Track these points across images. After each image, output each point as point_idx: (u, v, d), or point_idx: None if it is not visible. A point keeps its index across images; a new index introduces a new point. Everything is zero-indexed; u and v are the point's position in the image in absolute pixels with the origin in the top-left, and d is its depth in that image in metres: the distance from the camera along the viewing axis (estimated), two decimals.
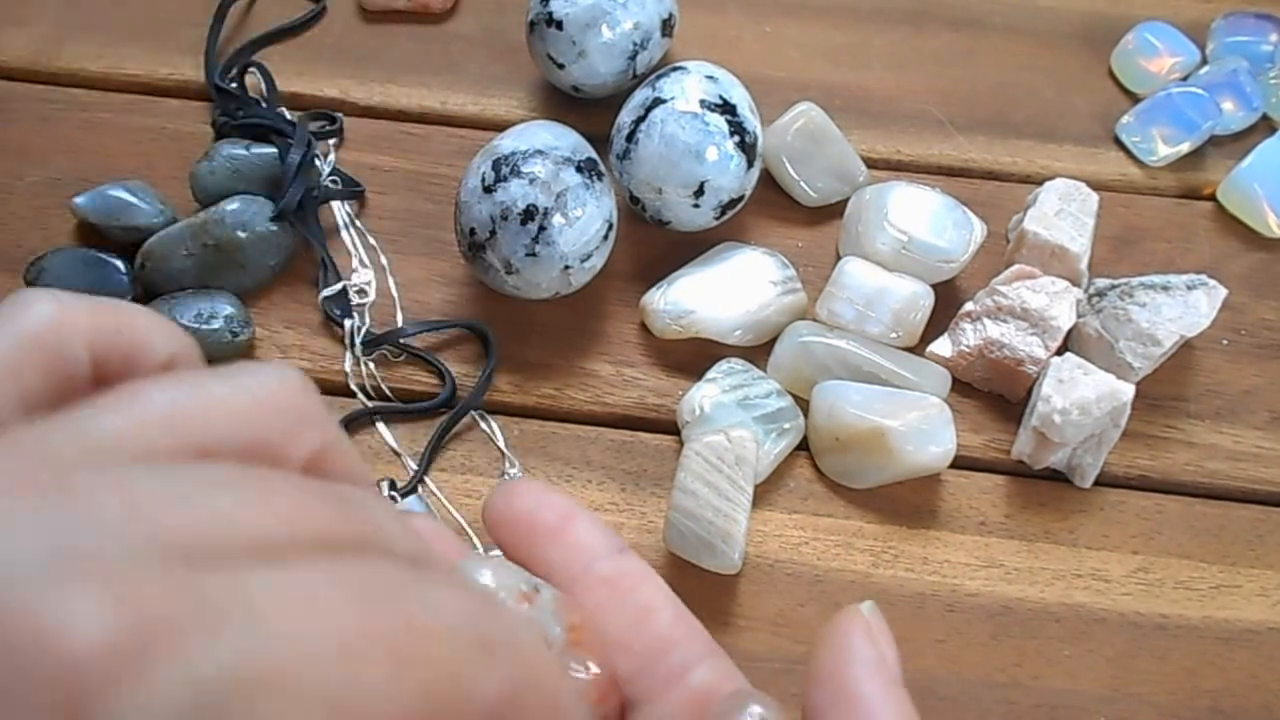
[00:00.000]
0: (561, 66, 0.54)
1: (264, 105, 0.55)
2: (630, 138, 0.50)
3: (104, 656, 0.13)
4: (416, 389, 0.49)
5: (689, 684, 0.24)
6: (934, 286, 0.50)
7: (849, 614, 0.23)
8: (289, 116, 0.55)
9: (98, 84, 0.57)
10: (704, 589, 0.44)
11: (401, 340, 0.49)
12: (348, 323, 0.49)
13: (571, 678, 0.21)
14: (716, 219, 0.51)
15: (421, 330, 0.50)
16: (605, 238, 0.48)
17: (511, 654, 0.18)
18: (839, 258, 0.51)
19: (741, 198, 0.51)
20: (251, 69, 0.57)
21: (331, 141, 0.55)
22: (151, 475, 0.16)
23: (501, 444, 0.48)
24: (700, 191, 0.49)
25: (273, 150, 0.52)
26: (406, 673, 0.16)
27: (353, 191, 0.53)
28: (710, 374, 0.48)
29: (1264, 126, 0.58)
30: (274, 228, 0.50)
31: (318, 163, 0.52)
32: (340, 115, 0.56)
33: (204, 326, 0.47)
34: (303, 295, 0.51)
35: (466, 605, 0.18)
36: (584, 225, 0.47)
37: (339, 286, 0.50)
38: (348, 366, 0.49)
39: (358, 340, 0.49)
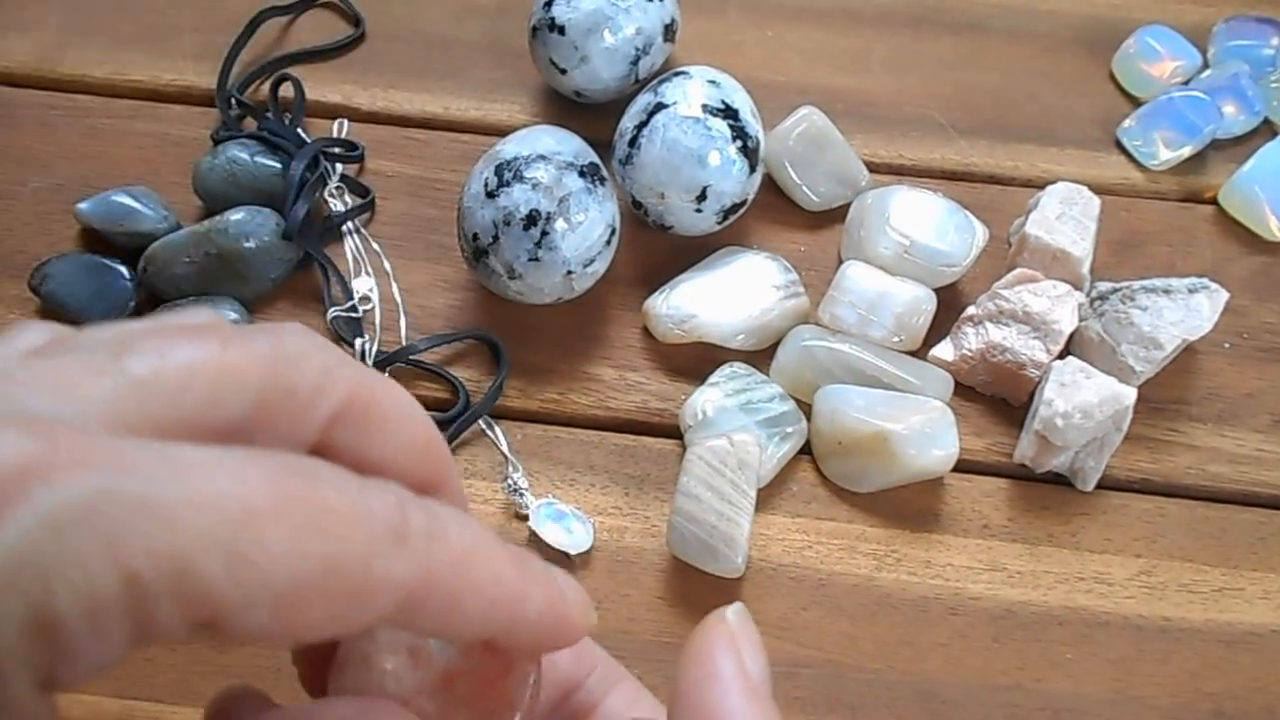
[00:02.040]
0: (564, 71, 0.54)
1: (269, 117, 0.55)
2: (632, 142, 0.50)
3: (13, 473, 0.15)
4: (423, 395, 0.49)
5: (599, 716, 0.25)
6: (936, 290, 0.50)
7: (713, 623, 0.22)
8: (303, 134, 0.55)
9: (101, 90, 0.58)
10: (707, 593, 0.44)
11: (412, 357, 0.49)
12: (358, 342, 0.49)
13: (509, 562, 0.21)
14: (719, 223, 0.51)
15: (433, 345, 0.50)
16: (608, 242, 0.49)
17: (429, 544, 0.19)
18: (841, 262, 0.51)
19: (744, 202, 0.51)
20: (285, 80, 0.57)
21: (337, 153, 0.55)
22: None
23: (505, 449, 0.48)
24: (703, 196, 0.49)
25: (277, 164, 0.52)
26: (308, 540, 0.17)
27: (363, 207, 0.53)
28: (713, 378, 0.48)
29: (1265, 130, 0.58)
30: (279, 241, 0.50)
31: (324, 173, 0.53)
32: (362, 145, 0.55)
33: None
34: (306, 303, 0.51)
35: (387, 498, 0.19)
36: (586, 230, 0.47)
37: (348, 305, 0.50)
38: None
39: (369, 362, 0.49)
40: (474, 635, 0.21)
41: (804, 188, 0.54)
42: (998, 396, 0.50)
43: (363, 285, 0.51)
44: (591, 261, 0.48)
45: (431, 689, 0.23)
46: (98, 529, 0.16)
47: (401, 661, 0.23)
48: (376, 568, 0.18)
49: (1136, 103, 0.59)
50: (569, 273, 0.47)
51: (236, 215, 0.49)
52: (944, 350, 0.50)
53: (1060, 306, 0.48)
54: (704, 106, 0.49)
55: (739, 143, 0.49)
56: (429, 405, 0.49)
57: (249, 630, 0.17)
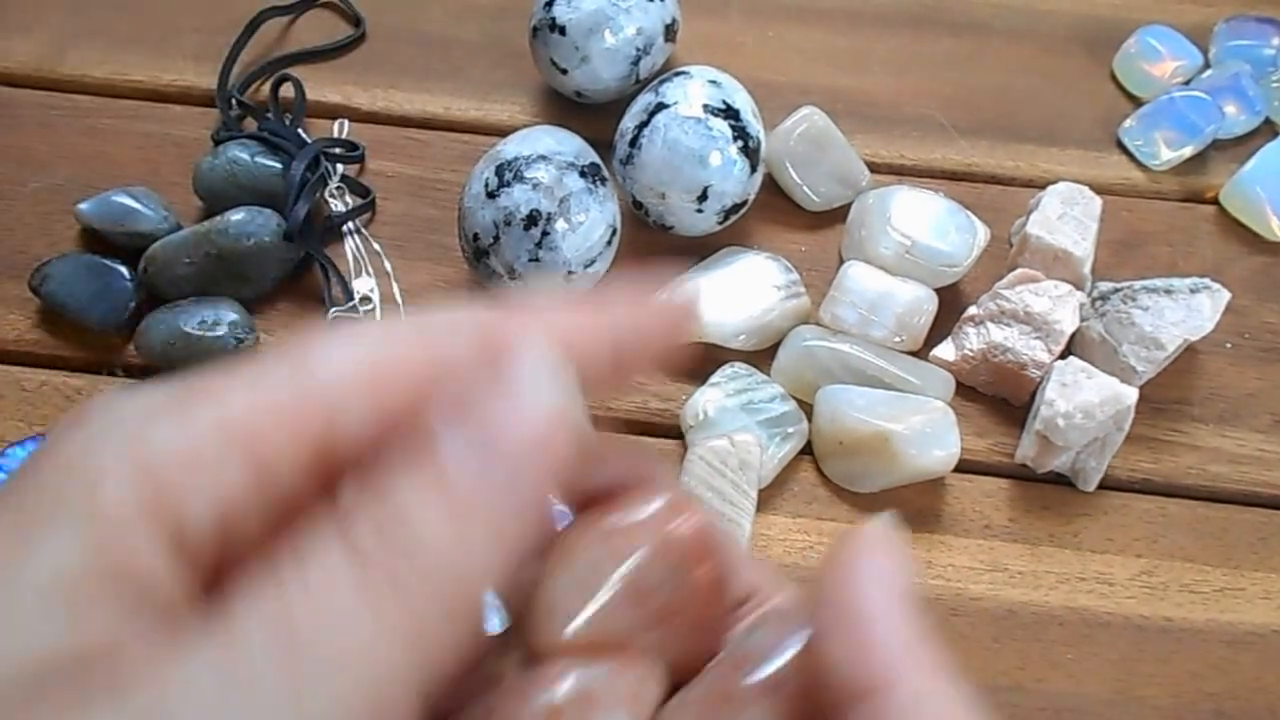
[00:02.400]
0: (565, 72, 0.54)
1: (269, 117, 0.55)
2: (633, 143, 0.50)
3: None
4: None
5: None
6: (937, 290, 0.50)
7: (859, 532, 0.21)
8: (303, 135, 0.55)
9: (101, 90, 0.58)
10: None
11: None
12: None
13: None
14: (720, 224, 0.51)
15: None
16: (608, 243, 0.48)
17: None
18: (842, 262, 0.51)
19: (745, 202, 0.51)
20: (286, 81, 0.57)
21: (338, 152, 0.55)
22: None
23: None
24: (704, 196, 0.49)
25: (277, 165, 0.52)
26: (357, 338, 0.18)
27: (364, 207, 0.53)
28: (714, 378, 0.48)
29: (1266, 130, 0.58)
30: (279, 241, 0.50)
31: (325, 173, 0.53)
32: (363, 145, 0.55)
33: (208, 334, 0.48)
34: (306, 304, 0.51)
35: None
36: (587, 230, 0.47)
37: (348, 305, 0.50)
38: None
39: None
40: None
41: (805, 188, 0.54)
42: (999, 396, 0.50)
43: (363, 285, 0.51)
44: (592, 262, 0.48)
45: (647, 625, 0.22)
46: (173, 393, 0.17)
47: (622, 603, 0.22)
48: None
49: (1137, 103, 0.59)
50: (570, 273, 0.47)
51: (237, 215, 0.49)
52: (945, 350, 0.50)
53: (1061, 306, 0.48)
54: (705, 106, 0.49)
55: (740, 143, 0.49)
56: None
57: (359, 428, 0.17)
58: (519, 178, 0.47)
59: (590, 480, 0.23)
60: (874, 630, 0.20)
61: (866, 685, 0.20)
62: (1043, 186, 0.53)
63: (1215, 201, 0.56)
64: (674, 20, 0.55)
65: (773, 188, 0.55)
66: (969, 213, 0.51)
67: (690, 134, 0.49)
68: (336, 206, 0.53)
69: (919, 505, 0.47)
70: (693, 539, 0.23)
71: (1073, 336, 0.49)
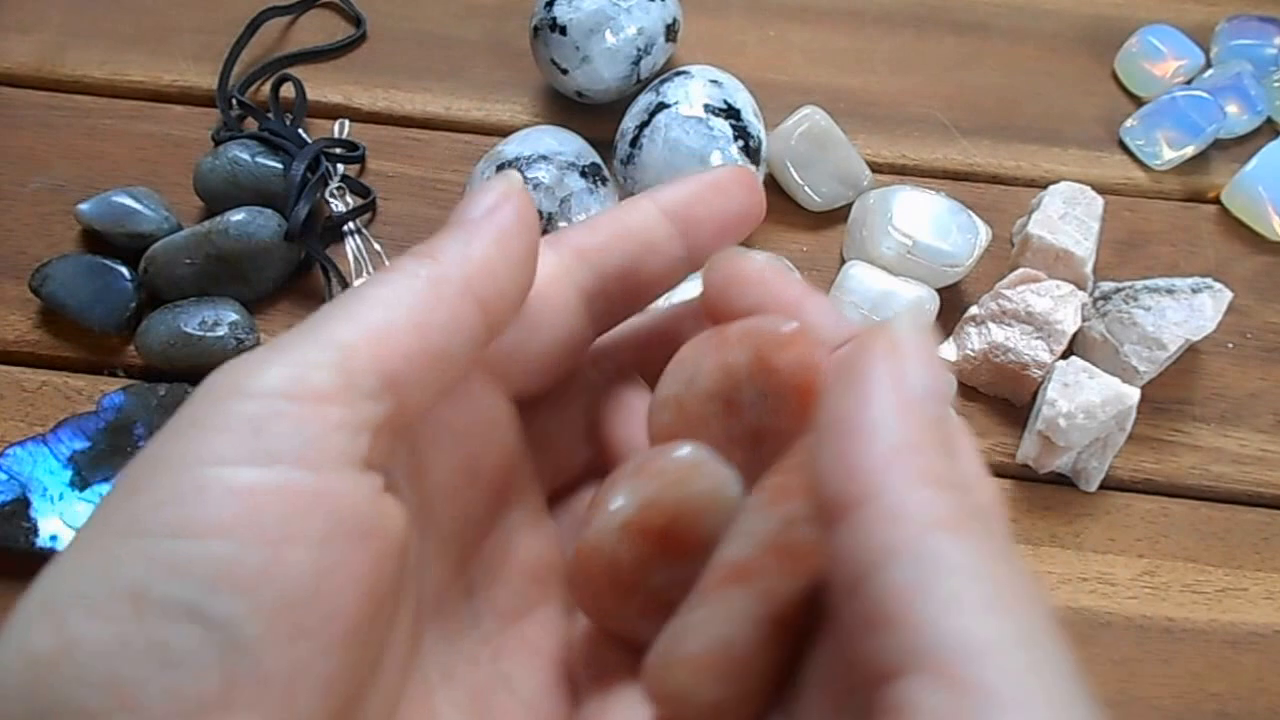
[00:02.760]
0: (565, 72, 0.54)
1: (270, 117, 0.55)
2: (634, 143, 0.50)
3: None
4: None
5: None
6: (938, 290, 0.50)
7: (872, 330, 0.18)
8: (304, 135, 0.55)
9: (102, 90, 0.58)
10: None
11: None
12: None
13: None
14: None
15: None
16: None
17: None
18: (843, 262, 0.51)
19: None
20: (286, 81, 0.57)
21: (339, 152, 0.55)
22: None
23: None
24: None
25: (278, 165, 0.52)
26: None
27: (365, 207, 0.53)
28: None
29: (1268, 130, 0.58)
30: (280, 241, 0.49)
31: (325, 173, 0.52)
32: (363, 145, 0.55)
33: (209, 334, 0.47)
34: (307, 304, 0.51)
35: None
36: None
37: None
38: None
39: None
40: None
41: (806, 188, 0.54)
42: (1000, 397, 0.50)
43: None
44: None
45: (740, 440, 0.22)
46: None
47: (715, 408, 0.23)
48: None
49: (1139, 102, 0.59)
50: None
51: (237, 216, 0.49)
52: (947, 350, 0.50)
53: (1063, 306, 0.48)
54: (706, 106, 0.49)
55: (741, 142, 0.49)
56: None
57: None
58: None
59: (738, 298, 0.24)
60: (860, 438, 0.17)
61: (845, 500, 0.17)
62: (1044, 186, 0.52)
63: (1217, 201, 0.56)
64: (675, 20, 0.55)
65: (774, 188, 0.55)
66: (970, 212, 0.51)
67: (691, 134, 0.49)
68: (337, 207, 0.53)
69: None
70: (792, 370, 0.21)
71: (1074, 336, 0.49)
